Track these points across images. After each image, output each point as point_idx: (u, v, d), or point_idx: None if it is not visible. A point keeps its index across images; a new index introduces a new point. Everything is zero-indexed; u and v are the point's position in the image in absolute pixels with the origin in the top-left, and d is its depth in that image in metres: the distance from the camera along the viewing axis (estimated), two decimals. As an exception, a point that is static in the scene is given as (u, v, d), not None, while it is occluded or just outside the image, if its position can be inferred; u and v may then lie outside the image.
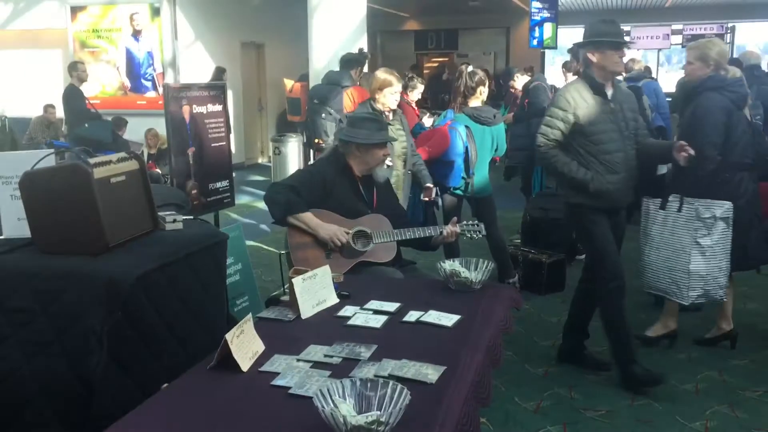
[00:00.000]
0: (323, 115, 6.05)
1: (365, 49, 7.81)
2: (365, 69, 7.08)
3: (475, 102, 5.23)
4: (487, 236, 5.28)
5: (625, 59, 4.43)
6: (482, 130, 5.19)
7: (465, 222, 3.63)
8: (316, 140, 6.10)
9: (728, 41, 16.32)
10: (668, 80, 12.37)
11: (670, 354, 4.24)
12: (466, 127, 5.10)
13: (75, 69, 8.98)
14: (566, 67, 11.21)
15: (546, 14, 11.53)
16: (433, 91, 13.20)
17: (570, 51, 6.34)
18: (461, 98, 5.23)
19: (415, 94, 7.29)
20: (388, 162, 3.93)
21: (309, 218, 3.42)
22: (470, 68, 5.43)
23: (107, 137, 8.78)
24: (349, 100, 6.04)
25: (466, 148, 5.04)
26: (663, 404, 3.61)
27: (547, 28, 11.59)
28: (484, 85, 5.25)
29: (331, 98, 6.05)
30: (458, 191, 5.21)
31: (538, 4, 11.43)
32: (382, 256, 3.52)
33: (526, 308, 4.94)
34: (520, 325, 4.59)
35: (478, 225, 3.60)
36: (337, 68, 7.04)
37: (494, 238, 5.25)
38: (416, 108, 7.37)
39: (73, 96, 9.13)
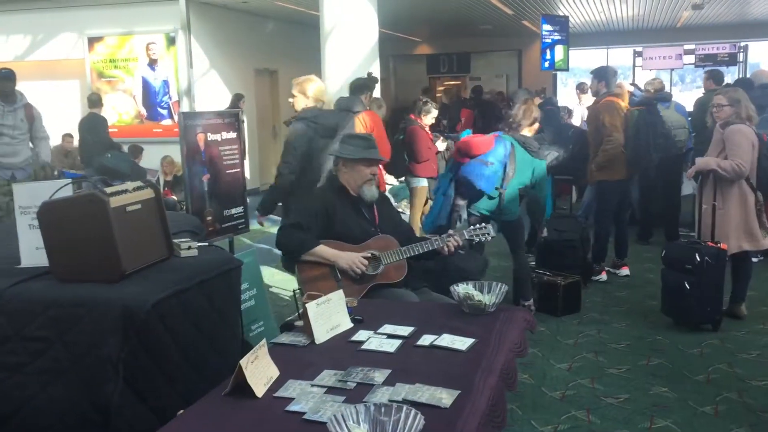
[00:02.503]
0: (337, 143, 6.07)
1: (374, 73, 7.86)
2: (376, 93, 7.11)
3: (526, 132, 5.23)
4: (513, 258, 5.31)
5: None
6: (525, 157, 5.12)
7: (471, 227, 3.63)
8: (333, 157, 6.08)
9: (741, 60, 16.30)
10: (682, 100, 12.33)
11: (683, 350, 4.21)
12: (511, 145, 5.08)
13: (101, 101, 9.51)
14: (580, 88, 11.26)
15: (557, 36, 11.57)
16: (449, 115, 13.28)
17: (593, 72, 6.33)
18: (517, 122, 5.22)
19: (429, 118, 7.35)
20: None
21: (324, 251, 3.43)
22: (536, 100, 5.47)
23: (127, 168, 8.98)
24: (361, 125, 6.04)
25: (505, 164, 5.03)
26: (683, 429, 3.57)
27: (559, 50, 11.62)
28: (538, 121, 5.33)
29: (343, 125, 6.06)
30: (485, 211, 5.11)
31: (549, 27, 11.49)
32: (393, 276, 3.52)
33: (541, 330, 4.92)
34: (535, 348, 4.56)
35: (485, 227, 3.60)
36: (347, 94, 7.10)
37: (520, 260, 5.29)
38: (429, 132, 7.42)
39: (100, 124, 9.37)
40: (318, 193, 3.79)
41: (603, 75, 6.26)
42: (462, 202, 5.17)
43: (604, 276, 6.22)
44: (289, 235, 3.46)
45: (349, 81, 7.09)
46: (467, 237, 3.57)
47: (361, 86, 6.36)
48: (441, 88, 18.41)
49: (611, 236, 6.31)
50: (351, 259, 3.42)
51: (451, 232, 3.62)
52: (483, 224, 3.63)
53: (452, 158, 5.30)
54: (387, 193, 6.03)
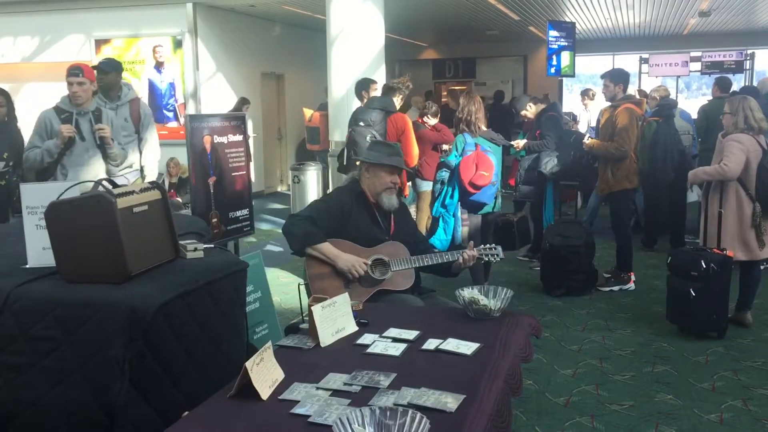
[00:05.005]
0: (368, 137, 6.11)
1: (385, 79, 7.90)
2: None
3: (483, 126, 5.70)
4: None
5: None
6: (494, 149, 5.70)
7: (483, 246, 3.63)
8: (358, 162, 6.11)
9: (747, 68, 16.26)
10: (688, 107, 12.36)
11: (688, 357, 4.19)
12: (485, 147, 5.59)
13: None
14: (587, 95, 11.25)
15: (563, 43, 11.55)
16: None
17: (608, 75, 6.10)
18: (475, 120, 5.62)
19: (433, 119, 7.41)
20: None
21: (327, 248, 3.43)
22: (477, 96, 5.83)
23: None
24: (392, 125, 6.14)
25: (498, 172, 5.64)
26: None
27: (565, 56, 11.61)
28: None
29: (377, 121, 6.15)
30: (487, 210, 5.69)
31: (555, 33, 11.47)
32: (400, 283, 3.52)
33: (545, 336, 4.91)
34: (539, 354, 4.56)
35: (495, 248, 3.61)
36: (353, 98, 7.15)
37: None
38: (436, 131, 7.45)
39: None
40: (337, 193, 3.80)
41: (620, 78, 6.04)
42: (466, 215, 5.66)
43: (632, 285, 6.16)
44: (297, 225, 3.46)
45: (354, 85, 7.13)
46: (477, 255, 3.57)
47: (394, 89, 6.47)
48: (445, 94, 18.44)
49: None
50: (351, 261, 3.42)
51: (472, 244, 3.64)
52: (494, 245, 3.63)
53: (456, 185, 5.57)
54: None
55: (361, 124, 6.20)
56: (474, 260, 3.57)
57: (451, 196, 5.61)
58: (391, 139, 6.05)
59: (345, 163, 6.51)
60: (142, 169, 5.55)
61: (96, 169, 4.78)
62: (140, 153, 5.49)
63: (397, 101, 6.45)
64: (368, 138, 6.12)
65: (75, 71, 4.68)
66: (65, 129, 4.62)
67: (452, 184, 5.60)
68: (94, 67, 5.40)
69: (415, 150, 6.36)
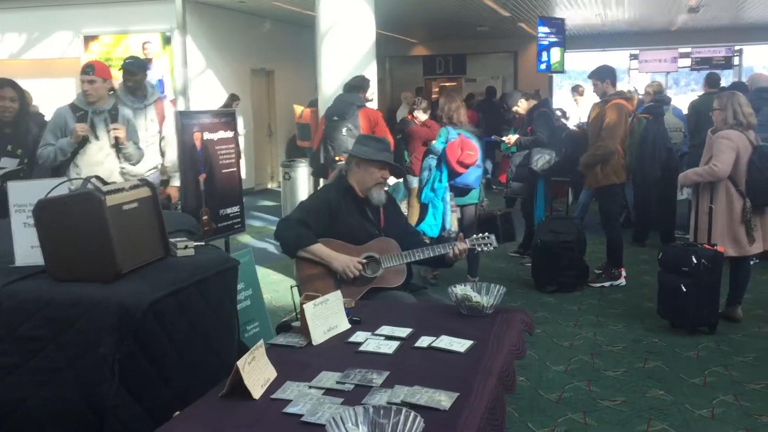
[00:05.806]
0: (344, 131, 6.13)
1: (375, 75, 7.91)
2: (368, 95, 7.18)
3: (465, 121, 6.06)
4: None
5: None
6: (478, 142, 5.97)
7: (475, 236, 3.61)
8: (337, 158, 6.12)
9: (736, 64, 16.34)
10: (677, 103, 12.31)
11: (679, 353, 4.20)
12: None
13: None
14: (576, 91, 11.28)
15: (553, 39, 11.58)
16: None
17: (594, 74, 6.13)
18: (456, 116, 5.95)
19: (423, 114, 7.44)
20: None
21: (320, 249, 3.41)
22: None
23: None
24: (365, 118, 6.24)
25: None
26: (678, 429, 3.57)
27: (555, 52, 11.63)
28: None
29: (350, 114, 6.23)
30: (473, 200, 6.05)
31: (546, 29, 11.49)
32: (391, 280, 3.50)
33: (537, 332, 4.91)
34: (531, 350, 4.55)
35: (488, 237, 3.59)
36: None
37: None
38: (427, 126, 7.47)
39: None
40: (324, 190, 3.77)
41: (606, 74, 6.07)
42: (454, 202, 5.90)
43: (623, 281, 6.18)
44: (289, 229, 3.44)
45: (345, 82, 7.13)
46: (470, 246, 3.55)
47: (357, 86, 6.55)
48: (436, 90, 18.42)
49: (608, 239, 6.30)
50: (345, 262, 3.40)
51: (462, 236, 3.63)
52: (487, 234, 3.61)
53: (444, 167, 5.77)
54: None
55: (335, 118, 6.27)
56: (466, 252, 3.55)
57: (440, 180, 5.78)
58: (365, 131, 6.13)
59: (323, 162, 6.50)
60: (167, 165, 5.46)
61: (110, 169, 4.67)
62: (163, 153, 5.42)
63: (362, 97, 6.67)
64: (344, 132, 6.17)
65: (86, 69, 4.62)
66: (80, 128, 4.55)
67: (440, 168, 5.78)
68: (121, 68, 5.36)
69: (390, 139, 6.56)
